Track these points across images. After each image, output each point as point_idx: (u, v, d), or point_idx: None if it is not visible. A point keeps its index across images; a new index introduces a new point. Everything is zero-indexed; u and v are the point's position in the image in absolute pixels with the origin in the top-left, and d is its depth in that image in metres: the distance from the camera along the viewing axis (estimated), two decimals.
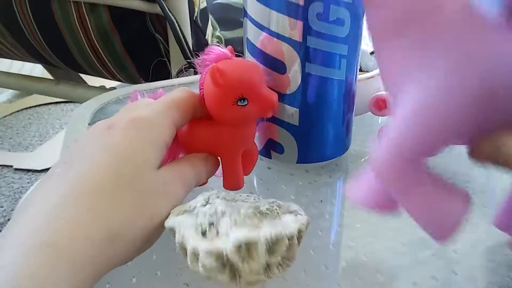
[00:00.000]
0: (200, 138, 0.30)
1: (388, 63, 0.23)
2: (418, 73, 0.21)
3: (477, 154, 0.22)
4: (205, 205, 0.24)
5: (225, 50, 0.29)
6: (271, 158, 0.37)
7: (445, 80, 0.20)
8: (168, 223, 0.23)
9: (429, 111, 0.20)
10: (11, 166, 1.33)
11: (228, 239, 0.21)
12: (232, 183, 0.30)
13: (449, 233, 0.22)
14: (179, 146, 0.31)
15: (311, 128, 0.35)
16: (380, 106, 0.38)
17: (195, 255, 0.21)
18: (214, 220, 0.23)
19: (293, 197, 0.34)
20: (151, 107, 0.27)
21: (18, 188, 1.24)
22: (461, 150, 0.41)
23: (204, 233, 0.22)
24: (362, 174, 0.27)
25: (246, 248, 0.21)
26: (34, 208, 0.21)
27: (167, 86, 0.52)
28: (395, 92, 0.23)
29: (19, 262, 0.18)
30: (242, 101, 0.27)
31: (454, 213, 0.22)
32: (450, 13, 0.20)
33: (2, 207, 1.17)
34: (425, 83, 0.20)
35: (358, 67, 0.37)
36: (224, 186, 0.30)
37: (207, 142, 0.29)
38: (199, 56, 0.29)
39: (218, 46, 0.29)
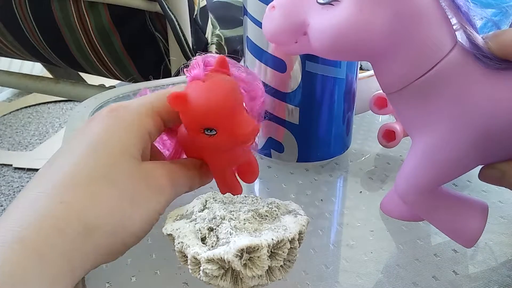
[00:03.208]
0: (193, 144, 0.29)
1: (397, 110, 0.25)
2: (422, 123, 0.24)
3: (486, 178, 0.25)
4: (203, 210, 0.24)
5: (201, 69, 0.25)
6: (271, 157, 0.37)
7: (447, 129, 0.23)
8: (166, 229, 0.23)
9: (435, 156, 0.24)
10: (11, 165, 1.33)
11: (229, 245, 0.21)
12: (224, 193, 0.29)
13: (474, 240, 0.25)
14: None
15: (311, 126, 0.35)
16: (380, 104, 0.38)
17: (196, 262, 0.21)
18: (214, 226, 0.22)
19: (293, 196, 0.34)
20: (136, 99, 0.27)
21: (18, 187, 1.24)
22: None
23: (203, 239, 0.22)
24: (393, 188, 0.29)
25: (248, 255, 0.21)
26: (11, 206, 0.21)
27: (167, 85, 0.52)
28: (409, 133, 0.26)
29: None
30: (209, 131, 0.25)
31: (475, 224, 0.25)
32: (448, 66, 0.22)
33: (1, 206, 1.17)
34: (430, 132, 0.24)
35: (359, 66, 0.37)
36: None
37: (199, 150, 0.28)
38: (187, 66, 0.26)
39: (207, 56, 0.26)
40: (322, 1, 0.23)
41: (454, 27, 0.23)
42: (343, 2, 0.22)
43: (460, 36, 0.23)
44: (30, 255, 0.19)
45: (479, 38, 0.22)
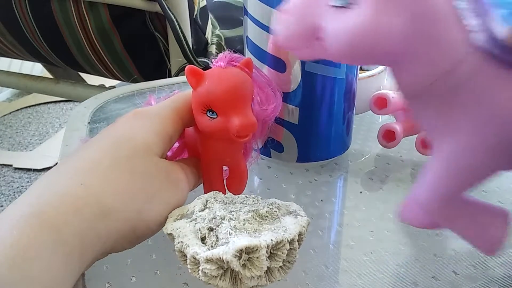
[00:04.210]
0: (191, 141, 0.30)
1: (418, 116, 0.25)
2: (445, 129, 0.23)
3: None
4: (203, 210, 0.24)
5: (225, 59, 0.27)
6: (271, 157, 0.37)
7: (470, 133, 0.23)
8: (167, 229, 0.23)
9: (459, 162, 0.23)
10: (11, 166, 1.33)
11: (228, 245, 0.21)
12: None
13: (496, 248, 0.25)
14: (186, 147, 0.31)
15: (311, 127, 0.35)
16: (380, 104, 0.38)
17: (195, 262, 0.21)
18: (213, 226, 0.22)
19: (293, 196, 0.34)
20: (159, 102, 0.28)
21: (18, 187, 1.24)
22: None
23: (203, 239, 0.22)
24: (410, 194, 0.29)
25: (247, 255, 0.21)
26: (32, 186, 0.22)
27: (167, 85, 0.52)
28: (430, 139, 0.25)
29: (5, 232, 0.19)
30: (211, 113, 0.26)
31: (497, 232, 0.25)
32: (466, 69, 0.22)
33: (1, 206, 1.17)
34: (453, 138, 0.23)
35: (359, 66, 0.37)
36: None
37: (195, 146, 0.29)
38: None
39: (235, 55, 0.28)
40: (337, 4, 0.22)
41: (473, 27, 0.22)
42: (358, 4, 0.21)
43: (479, 36, 0.22)
44: (47, 230, 0.19)
45: (499, 28, 0.21)
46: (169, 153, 0.31)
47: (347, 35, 0.22)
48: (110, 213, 0.22)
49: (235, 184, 0.30)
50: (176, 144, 0.31)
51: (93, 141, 0.25)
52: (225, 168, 0.30)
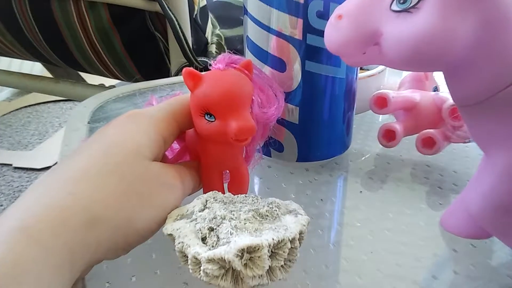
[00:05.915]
0: (194, 137, 0.29)
1: (471, 124, 0.24)
2: (503, 138, 0.22)
3: None
4: (203, 210, 0.24)
5: (224, 61, 0.27)
6: (271, 157, 0.37)
7: None
8: (167, 229, 0.23)
9: None
10: (11, 165, 1.33)
11: (229, 245, 0.21)
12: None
13: None
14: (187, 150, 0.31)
15: (311, 126, 0.35)
16: (380, 104, 0.38)
17: (196, 262, 0.21)
18: (214, 226, 0.22)
19: (293, 196, 0.34)
20: (155, 105, 0.28)
21: (18, 186, 1.24)
22: (461, 149, 0.41)
23: (204, 239, 0.22)
24: (455, 203, 0.28)
25: (249, 254, 0.21)
26: (21, 196, 0.22)
27: (167, 85, 0.52)
28: (483, 149, 0.25)
29: None
30: (209, 116, 0.26)
31: None
32: None
33: (1, 205, 1.17)
34: (509, 149, 0.22)
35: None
36: None
37: (197, 142, 0.29)
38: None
39: (234, 56, 0.27)
40: (398, 8, 0.21)
41: None
42: (422, 8, 0.20)
43: None
44: (34, 244, 0.19)
45: None
46: (170, 156, 0.31)
47: (412, 40, 0.20)
48: (99, 222, 0.21)
49: (236, 188, 0.30)
50: (178, 147, 0.31)
51: (83, 147, 0.25)
52: (227, 171, 0.30)
